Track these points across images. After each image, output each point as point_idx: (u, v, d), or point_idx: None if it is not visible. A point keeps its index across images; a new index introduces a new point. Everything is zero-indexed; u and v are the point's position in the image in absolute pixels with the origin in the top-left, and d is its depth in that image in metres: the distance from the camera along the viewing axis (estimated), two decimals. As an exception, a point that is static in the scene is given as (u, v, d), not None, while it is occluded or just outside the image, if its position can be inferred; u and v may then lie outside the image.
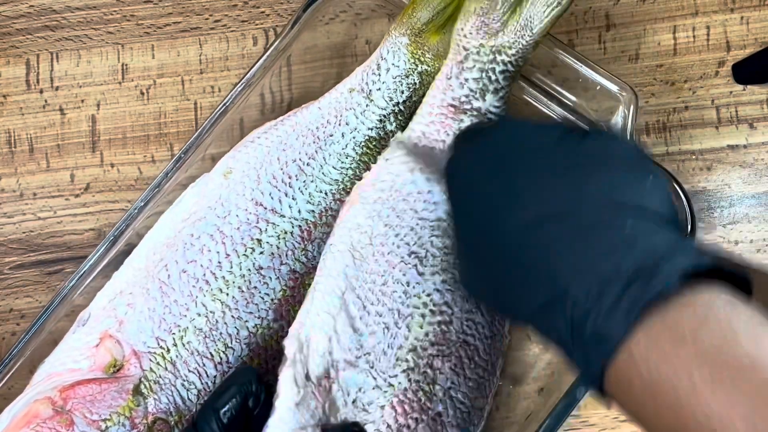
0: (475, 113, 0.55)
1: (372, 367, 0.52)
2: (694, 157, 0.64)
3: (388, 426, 0.51)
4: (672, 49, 0.65)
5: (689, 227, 0.57)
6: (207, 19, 0.68)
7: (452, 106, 0.56)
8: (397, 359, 0.52)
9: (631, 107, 0.57)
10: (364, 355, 0.52)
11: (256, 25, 0.67)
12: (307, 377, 0.52)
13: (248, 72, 0.60)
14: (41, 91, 0.68)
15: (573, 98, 0.59)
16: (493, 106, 0.56)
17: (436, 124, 0.56)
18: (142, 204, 0.59)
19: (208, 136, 0.60)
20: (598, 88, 0.58)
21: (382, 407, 0.51)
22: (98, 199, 0.66)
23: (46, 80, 0.68)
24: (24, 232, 0.66)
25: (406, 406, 0.51)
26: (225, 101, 0.60)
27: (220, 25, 0.68)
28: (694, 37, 0.65)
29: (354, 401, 0.51)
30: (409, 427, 0.51)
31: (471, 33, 0.55)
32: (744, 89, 0.64)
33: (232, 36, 0.67)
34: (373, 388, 0.52)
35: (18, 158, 0.67)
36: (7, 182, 0.67)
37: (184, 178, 0.60)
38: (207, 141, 0.60)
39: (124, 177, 0.66)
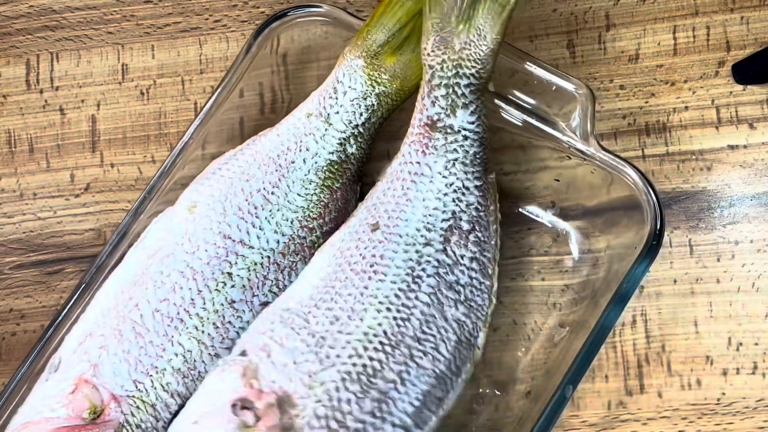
0: (448, 130, 0.56)
1: (316, 345, 0.53)
2: (694, 157, 0.64)
3: (329, 398, 0.52)
4: (672, 49, 0.65)
5: (657, 229, 0.56)
6: (207, 19, 0.68)
7: (427, 125, 0.57)
8: (346, 342, 0.53)
9: (589, 106, 0.57)
10: (309, 335, 0.53)
11: (256, 25, 0.67)
12: (243, 353, 0.53)
13: (222, 84, 0.60)
14: (41, 91, 0.68)
15: (531, 101, 0.59)
16: (467, 122, 0.56)
17: (415, 144, 0.57)
18: (143, 203, 0.59)
19: (194, 141, 0.60)
20: (554, 88, 0.58)
21: (322, 383, 0.52)
22: (98, 199, 0.66)
23: (46, 80, 0.68)
24: (24, 232, 0.66)
25: (348, 384, 0.52)
26: (215, 100, 0.60)
27: (220, 25, 0.68)
28: (694, 37, 0.65)
29: (292, 370, 0.52)
30: (350, 400, 0.52)
31: (433, 50, 0.56)
32: (744, 89, 0.64)
33: (232, 36, 0.67)
34: (314, 362, 0.52)
35: (18, 158, 0.67)
36: (7, 182, 0.67)
37: (180, 176, 0.60)
38: (205, 139, 0.60)
39: (124, 177, 0.66)
